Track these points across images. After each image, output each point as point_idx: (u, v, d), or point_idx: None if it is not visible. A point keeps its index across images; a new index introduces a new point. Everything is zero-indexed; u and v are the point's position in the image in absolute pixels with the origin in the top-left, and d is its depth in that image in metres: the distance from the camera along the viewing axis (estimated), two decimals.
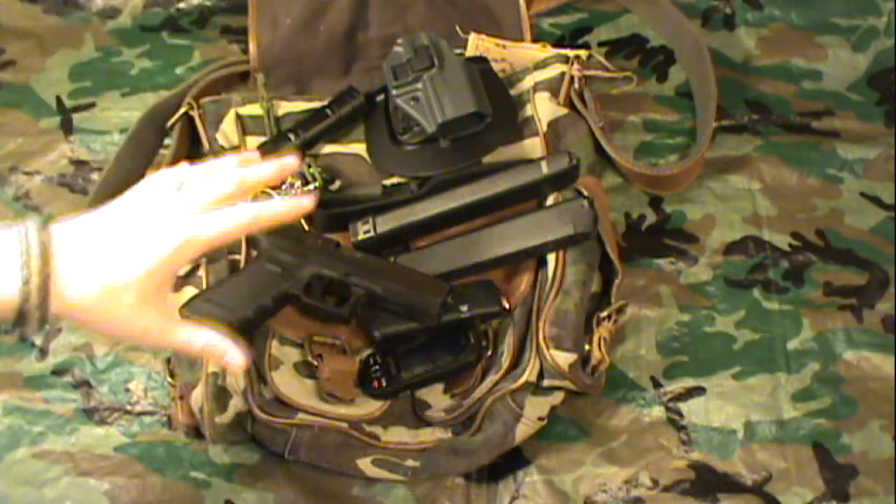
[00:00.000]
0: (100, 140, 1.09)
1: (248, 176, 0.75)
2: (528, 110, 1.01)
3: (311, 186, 0.98)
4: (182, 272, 0.92)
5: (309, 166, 0.99)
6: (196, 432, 0.91)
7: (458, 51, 1.01)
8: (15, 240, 0.67)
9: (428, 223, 0.96)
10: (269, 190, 0.97)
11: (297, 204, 0.76)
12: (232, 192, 0.74)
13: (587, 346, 0.91)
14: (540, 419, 0.89)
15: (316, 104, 1.02)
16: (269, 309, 0.89)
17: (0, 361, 0.97)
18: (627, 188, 1.05)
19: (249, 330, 0.89)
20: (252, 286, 0.89)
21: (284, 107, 1.03)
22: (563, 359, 0.88)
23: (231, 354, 0.75)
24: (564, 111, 1.02)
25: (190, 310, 0.87)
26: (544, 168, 0.95)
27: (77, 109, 1.12)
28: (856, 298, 0.99)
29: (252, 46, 1.08)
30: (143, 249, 0.70)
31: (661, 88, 1.12)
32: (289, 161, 0.77)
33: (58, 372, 0.96)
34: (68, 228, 0.70)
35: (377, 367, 0.92)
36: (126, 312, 0.70)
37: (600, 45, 1.14)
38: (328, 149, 1.02)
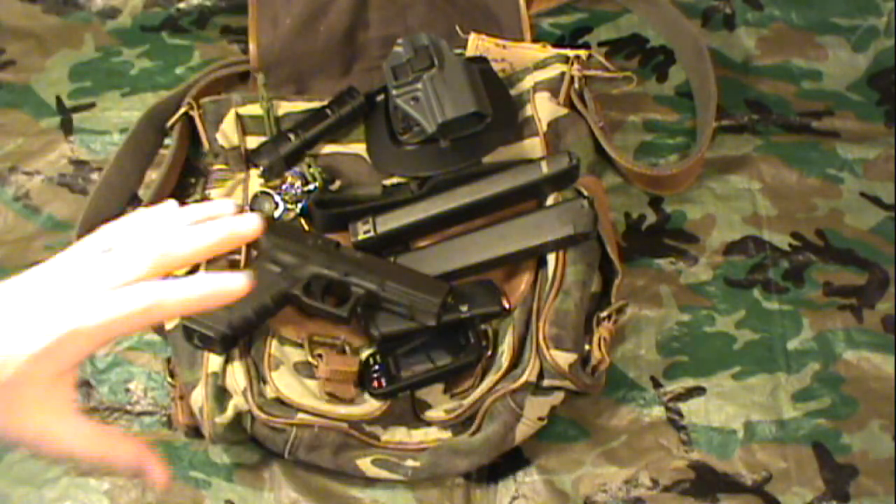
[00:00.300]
0: (100, 140, 1.09)
1: (175, 249, 0.61)
2: (528, 110, 1.01)
3: (311, 186, 0.98)
4: (182, 271, 0.92)
5: (309, 166, 0.99)
6: (196, 432, 0.91)
7: (458, 51, 1.01)
8: None
9: (428, 223, 0.96)
10: (269, 190, 0.98)
11: (222, 289, 0.61)
12: (152, 269, 0.60)
13: (587, 346, 0.91)
14: (540, 419, 0.89)
15: (316, 104, 1.02)
16: (269, 309, 0.89)
17: None
18: (627, 188, 1.05)
19: (249, 330, 0.89)
20: (252, 286, 0.89)
21: (284, 107, 1.03)
22: (563, 359, 0.88)
23: (152, 471, 0.64)
24: (564, 111, 1.02)
25: None
26: (544, 168, 0.95)
27: (77, 109, 1.11)
28: (856, 298, 0.99)
29: (252, 46, 1.07)
30: (25, 331, 0.58)
31: (661, 88, 1.12)
32: (251, 225, 0.63)
33: None
34: None
35: (377, 367, 0.92)
36: (10, 397, 0.58)
37: (600, 45, 1.14)
38: (328, 149, 1.02)
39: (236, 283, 0.61)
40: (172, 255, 0.61)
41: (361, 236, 0.95)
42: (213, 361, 0.88)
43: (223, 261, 0.93)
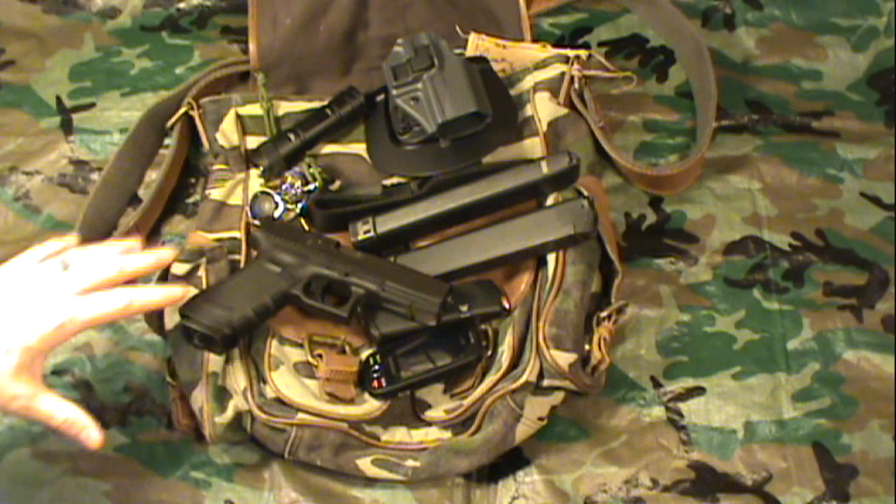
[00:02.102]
0: (100, 140, 1.09)
1: (128, 265, 0.82)
2: (528, 110, 1.01)
3: (311, 186, 0.98)
4: (182, 271, 0.92)
5: (309, 166, 0.99)
6: (196, 432, 0.91)
7: (458, 51, 1.01)
8: None
9: (428, 223, 0.96)
10: (269, 190, 0.98)
11: (171, 293, 0.84)
12: (112, 279, 0.80)
13: (587, 346, 0.91)
14: (540, 419, 0.89)
15: (316, 104, 1.02)
16: (269, 309, 0.89)
17: None
18: (627, 188, 1.05)
19: (249, 330, 0.89)
20: (252, 286, 0.89)
21: (284, 107, 1.03)
22: (563, 359, 0.88)
23: (88, 433, 0.79)
24: (564, 111, 1.02)
25: (190, 310, 0.87)
26: (544, 168, 0.95)
27: (77, 109, 1.11)
28: (856, 298, 0.99)
29: (252, 46, 1.07)
30: (25, 324, 0.77)
31: (661, 88, 1.12)
32: (165, 254, 0.85)
33: (58, 372, 0.96)
34: None
35: (377, 367, 0.92)
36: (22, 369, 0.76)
37: (600, 45, 1.14)
38: (328, 149, 1.02)
39: (180, 292, 0.84)
40: (127, 269, 0.81)
41: (361, 236, 0.95)
42: (213, 361, 0.88)
43: (224, 261, 0.93)
